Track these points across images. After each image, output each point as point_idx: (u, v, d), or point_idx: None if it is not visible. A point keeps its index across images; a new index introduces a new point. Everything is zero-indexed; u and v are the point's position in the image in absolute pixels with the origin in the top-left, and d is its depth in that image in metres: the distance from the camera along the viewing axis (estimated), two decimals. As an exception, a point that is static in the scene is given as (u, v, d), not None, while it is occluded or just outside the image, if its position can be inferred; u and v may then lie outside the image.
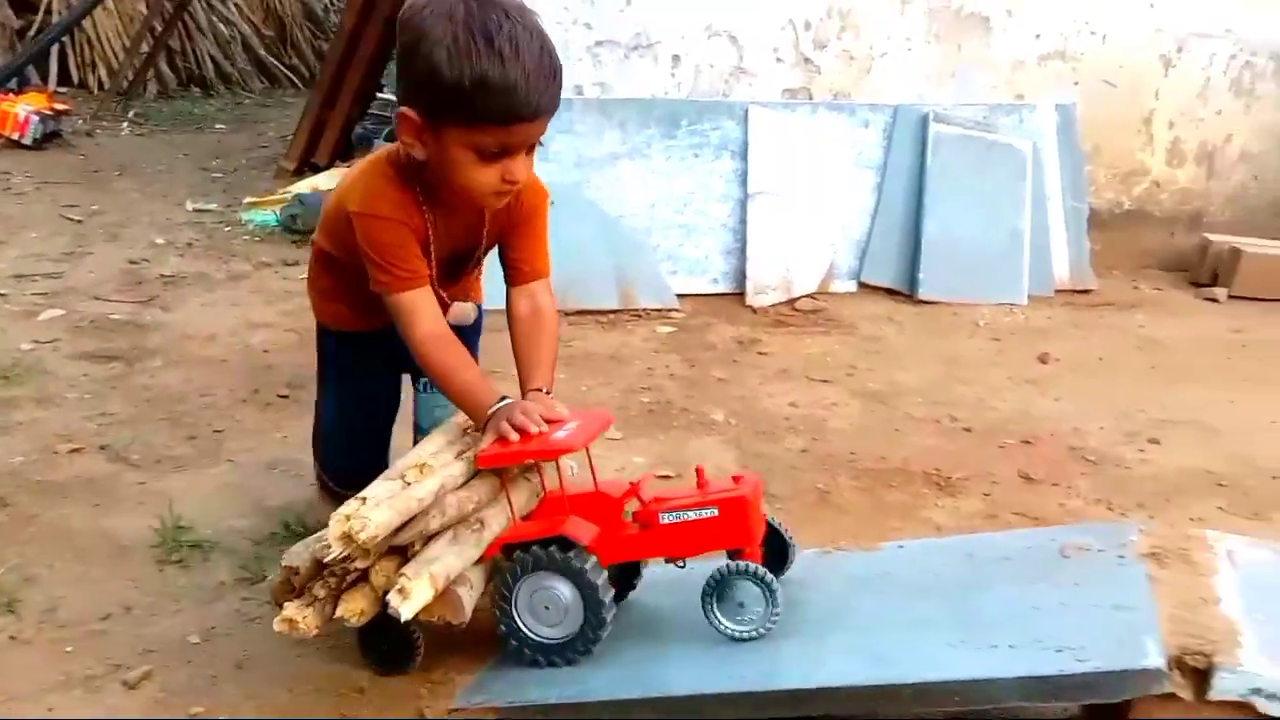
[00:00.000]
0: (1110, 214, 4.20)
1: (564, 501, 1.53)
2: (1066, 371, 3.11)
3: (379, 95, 6.25)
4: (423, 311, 1.63)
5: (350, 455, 1.90)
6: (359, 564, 1.40)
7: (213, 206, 4.70)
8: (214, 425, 2.46)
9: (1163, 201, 4.24)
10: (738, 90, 3.80)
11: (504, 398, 1.59)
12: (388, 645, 1.52)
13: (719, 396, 2.80)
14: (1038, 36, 3.97)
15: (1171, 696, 1.12)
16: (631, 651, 1.49)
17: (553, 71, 1.48)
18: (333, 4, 9.75)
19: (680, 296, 3.60)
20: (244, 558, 1.88)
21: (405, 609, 1.36)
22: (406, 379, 1.95)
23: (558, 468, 1.56)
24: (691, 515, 1.48)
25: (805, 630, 1.45)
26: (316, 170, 5.19)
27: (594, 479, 1.57)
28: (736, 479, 1.54)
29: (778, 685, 1.33)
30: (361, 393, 1.92)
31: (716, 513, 1.47)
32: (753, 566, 1.45)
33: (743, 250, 3.67)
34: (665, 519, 1.49)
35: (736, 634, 1.46)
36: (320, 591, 1.42)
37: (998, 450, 2.51)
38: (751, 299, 3.60)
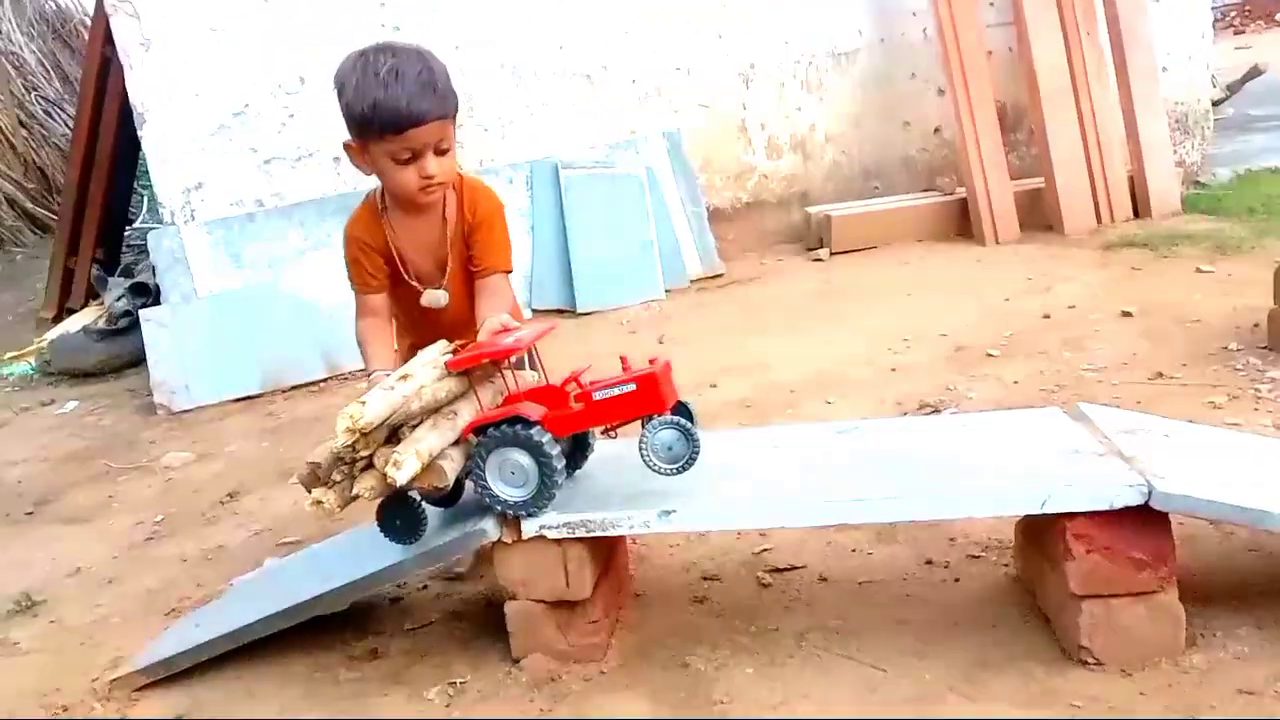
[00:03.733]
0: (734, 209, 5.10)
1: (521, 395, 1.88)
2: (676, 345, 3.91)
3: (131, 226, 6.77)
4: (363, 308, 2.14)
5: None
6: (364, 451, 1.76)
7: (-25, 365, 5.17)
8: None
9: (774, 189, 5.16)
10: (396, 175, 4.53)
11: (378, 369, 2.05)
12: (400, 520, 1.90)
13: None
14: (634, 81, 4.83)
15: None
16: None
17: (431, 86, 1.95)
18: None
19: (380, 354, 4.29)
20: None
21: (400, 476, 1.71)
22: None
23: (513, 371, 1.93)
24: (617, 391, 1.82)
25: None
26: (72, 313, 5.69)
27: (545, 377, 1.95)
28: (651, 361, 1.88)
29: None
30: None
31: (635, 387, 1.82)
32: (671, 418, 1.81)
33: (425, 305, 4.40)
34: (598, 396, 1.84)
35: (669, 471, 1.82)
36: (337, 476, 1.79)
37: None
38: (438, 343, 4.32)
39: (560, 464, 1.82)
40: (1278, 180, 5.35)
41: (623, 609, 2.08)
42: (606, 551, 1.99)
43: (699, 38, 4.91)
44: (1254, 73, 7.84)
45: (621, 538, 2.12)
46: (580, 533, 1.83)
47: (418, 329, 2.22)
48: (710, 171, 5.02)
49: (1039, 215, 4.83)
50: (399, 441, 1.78)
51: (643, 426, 1.85)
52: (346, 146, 2.07)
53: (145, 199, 7.33)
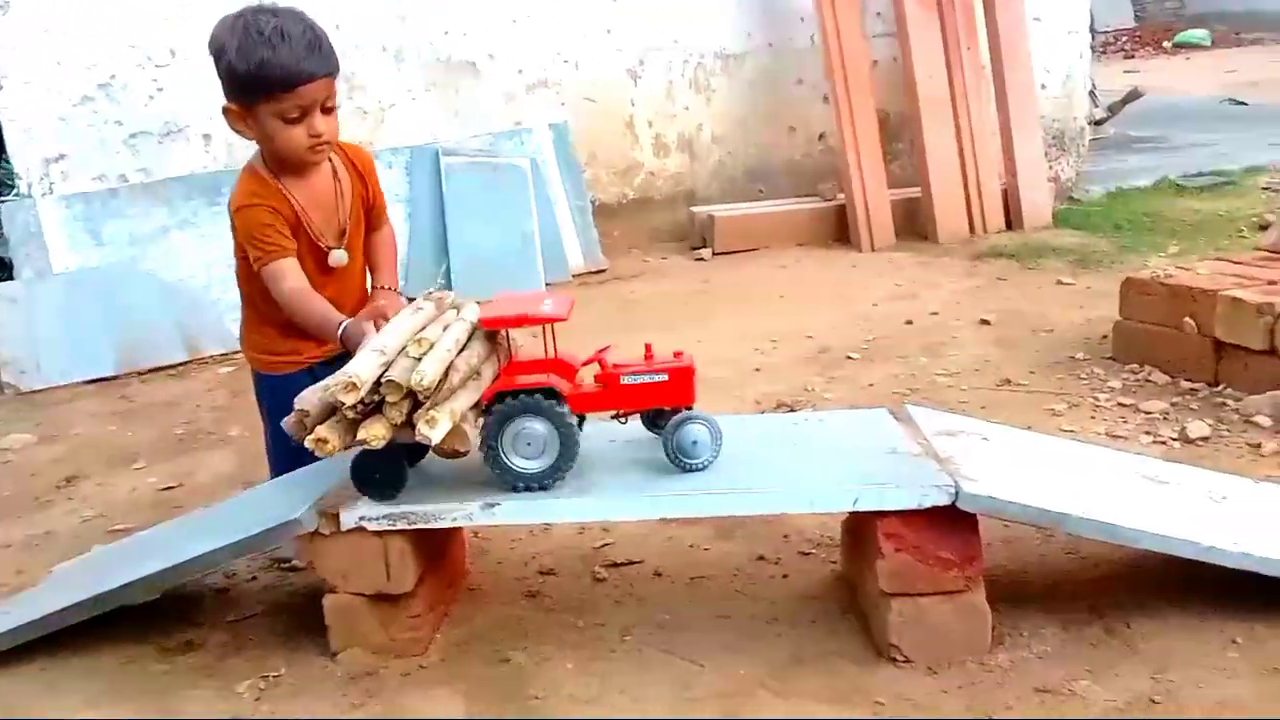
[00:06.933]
0: (619, 205, 5.09)
1: (532, 364, 1.80)
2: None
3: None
4: (287, 273, 2.03)
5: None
6: (392, 398, 1.66)
7: None
8: None
9: (660, 187, 5.17)
10: (270, 155, 4.41)
11: (345, 319, 1.98)
12: (380, 475, 1.79)
13: (246, 415, 3.38)
14: (520, 71, 4.79)
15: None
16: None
17: (317, 44, 1.96)
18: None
19: (246, 339, 4.17)
20: None
21: (435, 434, 1.64)
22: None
23: (508, 339, 1.90)
24: (646, 379, 1.80)
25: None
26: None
27: (554, 349, 1.84)
28: (677, 354, 1.85)
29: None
30: None
31: (667, 378, 1.80)
32: (702, 414, 1.79)
33: (295, 290, 4.29)
34: (626, 380, 1.80)
35: (694, 466, 1.79)
36: (349, 414, 1.67)
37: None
38: (307, 330, 4.22)
39: (579, 437, 1.77)
40: (1146, 199, 5.57)
41: (453, 603, 2.05)
42: (436, 544, 1.95)
43: (588, 31, 4.88)
44: (1133, 95, 8.14)
45: (458, 530, 2.09)
46: (402, 525, 1.79)
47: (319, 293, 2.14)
48: (596, 166, 5.00)
49: (916, 224, 4.94)
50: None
51: (647, 418, 1.86)
52: (227, 111, 2.03)
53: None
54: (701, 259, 4.85)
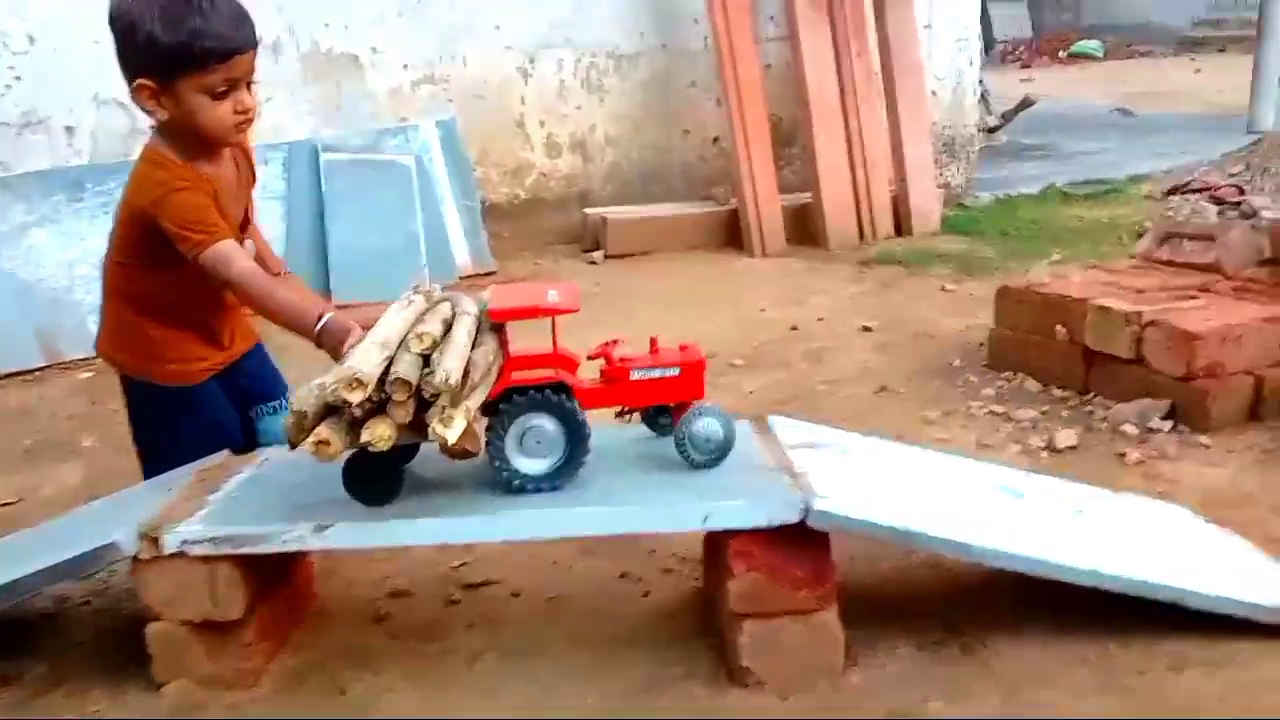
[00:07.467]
0: (510, 205, 4.99)
1: (535, 359, 1.71)
2: (429, 345, 3.78)
3: None
4: (233, 255, 1.87)
5: None
6: (399, 396, 1.53)
7: None
8: None
9: (552, 188, 5.08)
10: (137, 149, 4.18)
11: (325, 310, 1.83)
12: (375, 479, 1.67)
13: (101, 424, 3.21)
14: (405, 66, 4.66)
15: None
16: None
17: (244, 14, 1.87)
18: None
19: (109, 343, 3.96)
20: None
21: (450, 434, 1.52)
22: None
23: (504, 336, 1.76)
24: (657, 373, 1.75)
25: None
26: None
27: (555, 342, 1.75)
28: (684, 347, 1.80)
29: None
30: (216, 439, 2.06)
31: (679, 372, 1.75)
32: (716, 407, 1.73)
33: (164, 291, 4.09)
34: (635, 375, 1.74)
35: (706, 463, 1.73)
36: (358, 412, 1.54)
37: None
38: (176, 333, 4.03)
39: (589, 434, 1.68)
40: (1033, 205, 5.67)
41: (295, 628, 1.94)
42: (273, 566, 1.84)
43: (476, 27, 4.77)
44: (1025, 103, 8.33)
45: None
46: (227, 549, 1.68)
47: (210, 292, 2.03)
48: (487, 165, 4.89)
49: (807, 229, 4.94)
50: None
51: (648, 416, 1.81)
52: (140, 88, 1.87)
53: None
54: (594, 262, 4.78)
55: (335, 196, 4.37)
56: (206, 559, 1.68)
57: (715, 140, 5.25)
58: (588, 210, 4.99)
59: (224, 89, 1.87)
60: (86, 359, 3.86)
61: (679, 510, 1.65)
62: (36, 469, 2.92)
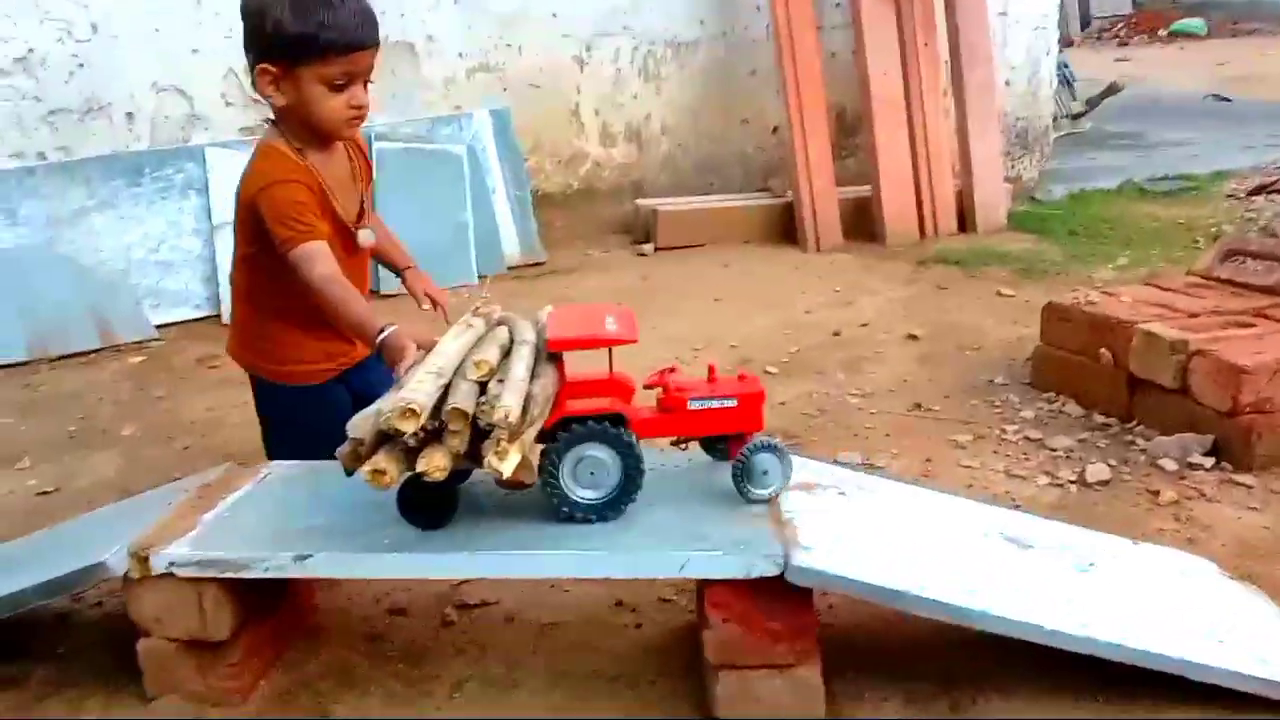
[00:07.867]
0: (563, 195, 4.96)
1: (590, 385, 1.72)
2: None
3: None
4: (318, 257, 1.90)
5: None
6: (455, 426, 1.52)
7: None
8: None
9: (606, 178, 5.04)
10: (196, 135, 4.28)
11: (387, 324, 1.83)
12: (430, 504, 1.69)
13: (144, 412, 3.29)
14: (461, 55, 4.65)
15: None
16: None
17: (369, 12, 1.93)
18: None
19: (163, 326, 4.07)
20: None
21: (505, 467, 1.51)
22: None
23: (560, 362, 1.74)
24: (715, 403, 1.71)
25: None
26: None
27: (610, 367, 1.75)
28: (742, 377, 1.79)
29: None
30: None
31: (736, 403, 1.72)
32: (773, 441, 1.72)
33: (216, 276, 4.18)
34: (692, 405, 1.71)
35: (763, 497, 1.71)
36: (412, 441, 1.52)
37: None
38: (227, 318, 4.11)
39: (644, 465, 1.67)
40: (1107, 202, 5.45)
41: (289, 645, 1.96)
42: (265, 587, 1.85)
43: (533, 14, 4.73)
44: (1112, 89, 8.00)
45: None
46: (212, 573, 1.69)
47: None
48: (540, 155, 4.87)
49: (865, 224, 4.82)
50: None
51: (711, 440, 1.79)
52: (262, 71, 1.92)
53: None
54: (643, 254, 4.73)
55: (385, 186, 4.38)
56: (195, 581, 1.70)
57: (775, 130, 5.14)
58: (640, 201, 4.94)
59: (341, 82, 1.92)
60: (139, 342, 3.97)
61: (655, 557, 1.62)
62: (77, 457, 3.01)
